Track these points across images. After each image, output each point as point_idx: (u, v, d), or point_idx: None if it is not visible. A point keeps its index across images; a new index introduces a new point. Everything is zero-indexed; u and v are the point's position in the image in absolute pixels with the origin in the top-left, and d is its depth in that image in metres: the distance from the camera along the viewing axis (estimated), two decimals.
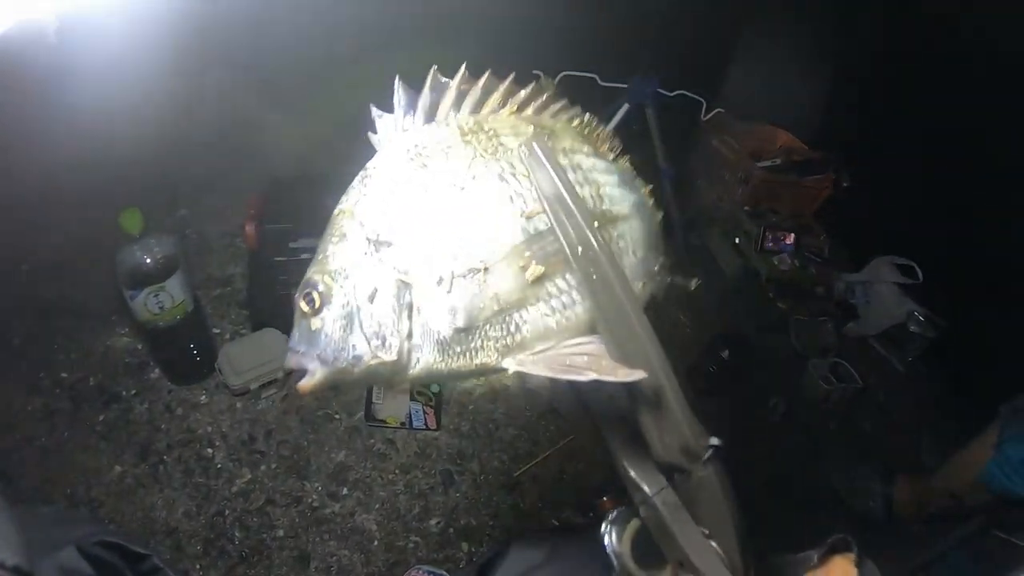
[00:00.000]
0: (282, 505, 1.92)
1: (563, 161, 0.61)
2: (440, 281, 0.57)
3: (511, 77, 0.64)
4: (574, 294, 0.59)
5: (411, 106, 0.61)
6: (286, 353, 0.61)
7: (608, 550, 0.67)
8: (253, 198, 2.16)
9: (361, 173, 0.62)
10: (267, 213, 2.09)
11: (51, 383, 2.06)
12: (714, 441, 0.59)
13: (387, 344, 0.57)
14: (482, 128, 0.61)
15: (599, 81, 2.80)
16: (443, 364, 0.58)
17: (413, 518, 1.97)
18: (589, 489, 2.10)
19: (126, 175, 2.55)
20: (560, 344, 0.59)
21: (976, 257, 2.39)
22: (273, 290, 2.10)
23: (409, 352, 0.57)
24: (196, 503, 1.89)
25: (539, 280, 0.58)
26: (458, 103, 0.62)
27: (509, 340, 0.59)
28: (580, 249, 0.56)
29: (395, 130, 0.62)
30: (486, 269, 0.57)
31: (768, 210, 2.93)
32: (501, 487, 2.09)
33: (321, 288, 0.58)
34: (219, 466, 1.97)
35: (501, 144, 0.60)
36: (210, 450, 2.00)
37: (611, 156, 0.68)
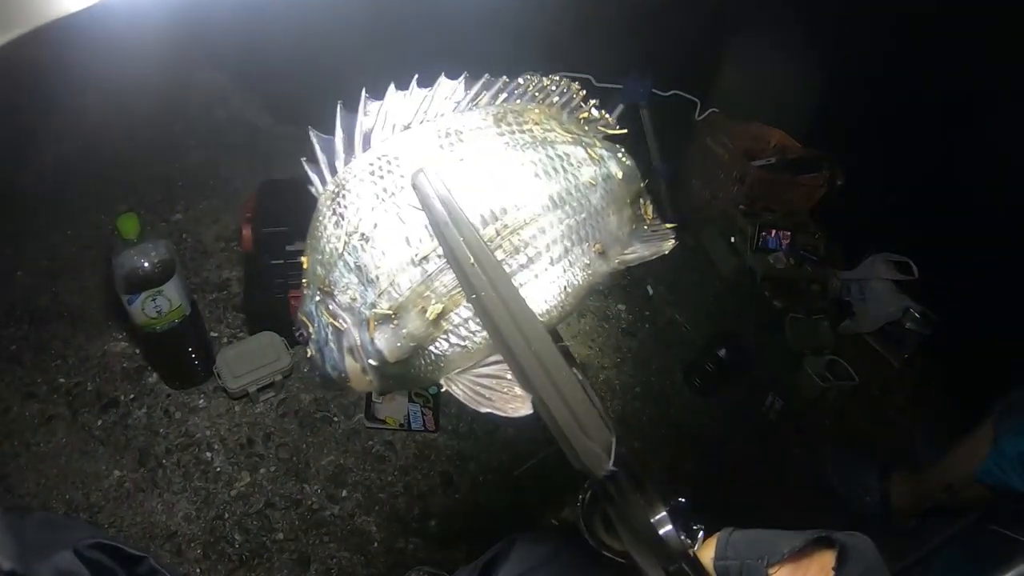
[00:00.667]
0: (281, 508, 1.92)
1: (463, 173, 0.62)
2: (364, 327, 0.63)
3: (414, 82, 0.67)
4: (477, 320, 0.62)
5: (326, 150, 0.66)
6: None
7: (579, 519, 0.73)
8: (249, 201, 2.16)
9: (311, 222, 0.68)
10: (263, 216, 2.09)
11: (48, 389, 2.06)
12: (609, 469, 0.62)
13: (344, 375, 0.66)
14: (386, 162, 0.64)
15: (594, 82, 2.81)
16: (393, 385, 0.68)
17: (413, 519, 1.97)
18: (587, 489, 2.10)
19: (120, 180, 2.56)
20: (476, 364, 0.65)
21: (971, 253, 2.40)
22: (270, 293, 2.10)
23: (364, 378, 0.66)
24: (195, 507, 1.89)
25: (441, 316, 0.61)
26: (366, 136, 0.65)
27: (432, 367, 0.64)
28: (466, 278, 0.59)
29: (323, 177, 0.66)
30: (395, 315, 0.61)
31: (763, 209, 2.94)
32: (500, 488, 2.09)
33: (302, 329, 0.68)
34: (218, 469, 1.97)
35: (401, 176, 0.63)
36: (209, 454, 1.99)
37: (535, 135, 0.67)
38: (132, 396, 2.07)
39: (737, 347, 2.46)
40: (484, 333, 0.62)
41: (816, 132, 2.95)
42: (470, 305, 0.61)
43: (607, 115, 0.75)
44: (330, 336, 0.65)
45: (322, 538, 1.89)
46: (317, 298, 0.65)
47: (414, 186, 0.60)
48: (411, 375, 0.65)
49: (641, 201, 0.74)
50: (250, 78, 2.94)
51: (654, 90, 2.69)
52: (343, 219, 0.63)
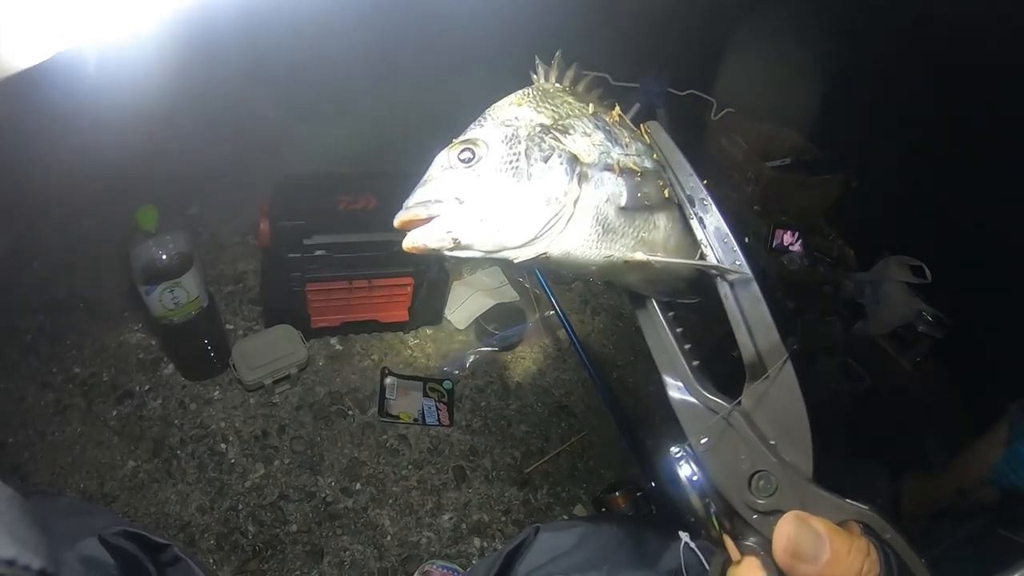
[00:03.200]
0: (295, 500, 1.93)
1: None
2: (609, 167, 0.61)
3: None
4: (686, 226, 0.64)
5: (559, 69, 0.71)
6: (402, 210, 0.59)
7: (686, 481, 0.68)
8: (266, 195, 2.16)
9: (521, 90, 0.67)
10: (280, 210, 2.09)
11: (64, 379, 2.07)
12: (792, 342, 0.64)
13: (551, 203, 0.57)
14: (601, 100, 0.70)
15: (611, 81, 2.81)
16: (588, 240, 0.60)
17: (426, 513, 1.97)
18: (600, 486, 2.10)
19: (137, 173, 2.56)
20: (671, 260, 0.65)
21: (984, 257, 2.39)
22: (287, 286, 2.10)
23: (569, 219, 0.59)
24: (210, 498, 1.89)
25: (670, 200, 0.65)
26: (584, 88, 0.71)
27: (644, 235, 0.63)
28: (693, 196, 0.63)
29: (543, 78, 0.70)
30: (641, 174, 0.62)
31: (777, 209, 2.95)
32: (513, 483, 2.09)
33: (484, 150, 0.59)
34: (232, 461, 1.97)
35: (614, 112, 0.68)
36: (223, 445, 2.00)
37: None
38: (147, 387, 2.08)
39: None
40: (690, 237, 0.64)
41: (831, 134, 2.95)
42: (676, 215, 0.66)
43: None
44: (554, 159, 0.58)
45: (335, 531, 1.89)
46: (538, 129, 0.60)
47: (651, 128, 0.67)
48: (618, 234, 0.62)
49: None
50: (265, 75, 2.95)
51: (670, 89, 2.69)
52: (585, 99, 0.67)
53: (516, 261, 0.60)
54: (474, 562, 1.91)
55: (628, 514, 1.97)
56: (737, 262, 0.62)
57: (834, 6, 2.72)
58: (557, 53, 0.71)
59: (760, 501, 0.60)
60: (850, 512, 0.57)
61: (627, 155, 0.63)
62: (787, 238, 2.84)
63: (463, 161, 0.58)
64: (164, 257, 1.79)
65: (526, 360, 2.44)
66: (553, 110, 0.63)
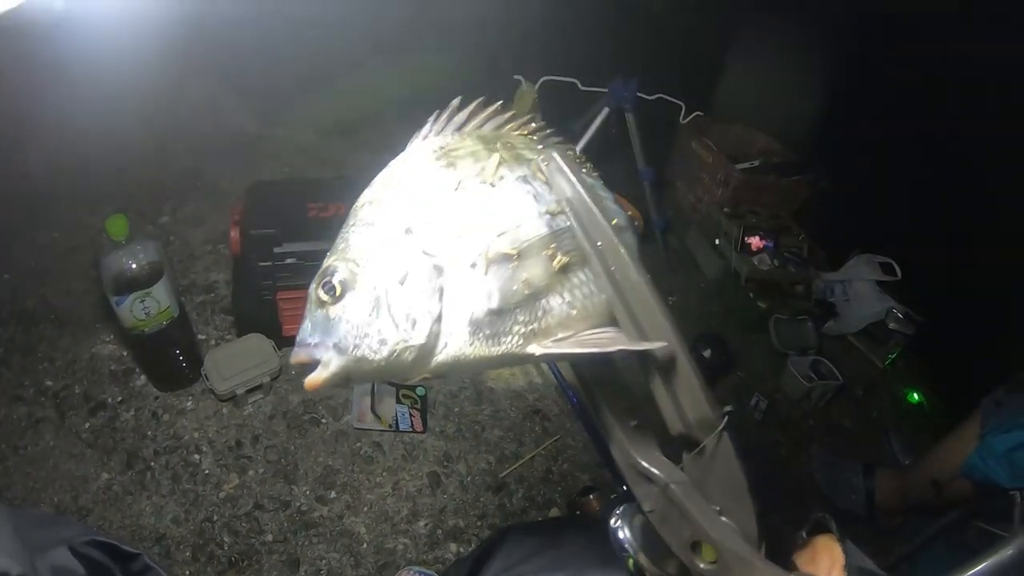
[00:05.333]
0: (270, 510, 1.92)
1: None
2: (474, 265, 0.58)
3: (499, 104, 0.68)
4: (593, 286, 0.62)
5: (439, 118, 0.65)
6: (294, 348, 0.59)
7: (624, 544, 0.69)
8: (237, 203, 2.16)
9: (384, 171, 0.64)
10: (251, 218, 2.09)
11: (36, 391, 2.05)
12: (727, 408, 0.61)
13: (417, 326, 0.56)
14: (501, 140, 0.65)
15: (579, 86, 2.84)
16: (470, 349, 0.59)
17: (401, 520, 1.97)
18: (575, 489, 2.11)
19: (107, 182, 2.55)
20: (579, 333, 0.62)
21: (953, 253, 2.43)
22: (258, 295, 2.10)
23: (438, 335, 0.58)
24: (184, 509, 1.89)
25: (564, 269, 0.60)
26: (478, 121, 0.66)
27: (535, 326, 0.60)
28: (599, 244, 0.59)
29: (422, 136, 0.65)
30: (518, 255, 0.58)
31: (747, 211, 2.97)
32: (488, 488, 2.10)
33: (344, 275, 0.58)
34: (206, 472, 1.97)
35: (520, 154, 0.64)
36: (197, 456, 1.99)
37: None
38: (120, 399, 2.07)
39: (722, 348, 2.48)
40: (594, 300, 0.62)
41: (800, 135, 2.99)
42: (587, 272, 0.62)
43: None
44: (413, 275, 0.57)
45: (311, 539, 1.89)
46: (395, 234, 0.59)
47: (551, 157, 0.62)
48: (500, 334, 0.59)
49: None
50: (238, 82, 2.94)
51: (639, 94, 2.71)
52: (455, 167, 0.61)
53: (408, 383, 0.62)
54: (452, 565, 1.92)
55: (602, 516, 1.98)
56: (659, 331, 0.60)
57: (803, 10, 2.76)
58: (455, 102, 0.66)
59: (704, 568, 0.61)
60: None
61: (501, 234, 0.59)
62: (757, 239, 2.87)
63: (328, 294, 0.58)
64: (134, 267, 1.79)
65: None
66: (411, 196, 0.61)
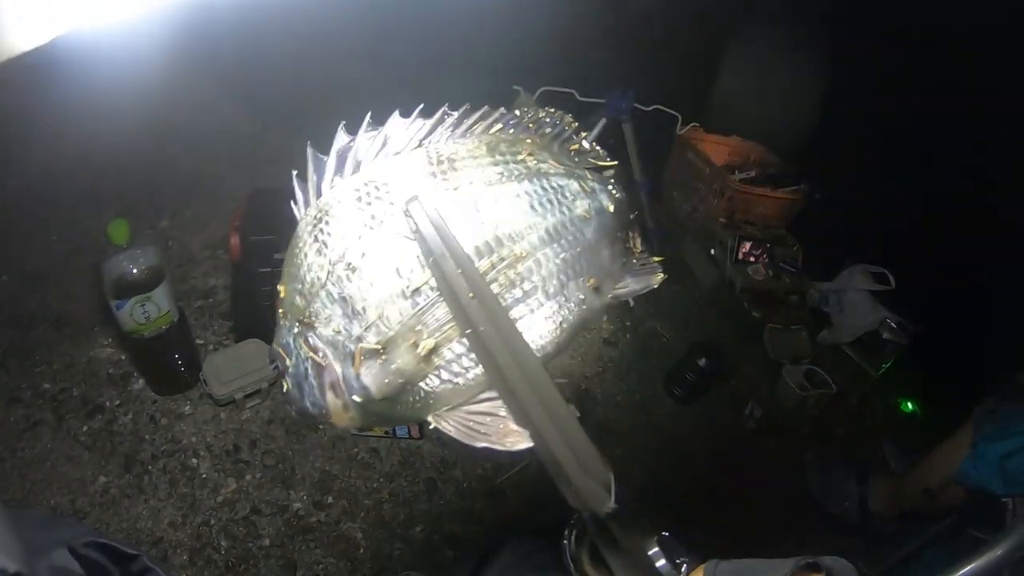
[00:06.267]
0: (268, 514, 1.93)
1: (458, 203, 0.61)
2: (349, 361, 0.60)
3: (418, 110, 0.64)
4: (471, 356, 0.60)
5: (318, 169, 0.63)
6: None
7: (566, 554, 0.70)
8: (237, 209, 2.17)
9: (288, 249, 0.65)
10: (251, 224, 2.10)
11: (33, 394, 2.06)
12: (608, 508, 0.61)
13: (326, 411, 0.63)
14: (376, 187, 0.61)
15: (577, 96, 2.85)
16: (376, 420, 0.64)
17: (398, 526, 1.98)
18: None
19: (107, 186, 2.56)
20: (467, 401, 0.62)
21: (947, 263, 2.45)
22: (257, 301, 2.11)
23: (346, 414, 0.62)
24: (182, 513, 1.89)
25: (433, 352, 0.59)
26: (357, 160, 0.63)
27: (421, 403, 0.61)
28: (463, 312, 0.57)
29: (308, 200, 0.63)
30: (383, 349, 0.59)
31: (742, 221, 2.99)
32: (484, 495, 2.11)
33: (278, 361, 0.65)
34: (204, 476, 1.97)
35: (392, 203, 0.60)
36: (195, 460, 2.00)
37: (531, 165, 0.66)
38: (118, 402, 2.08)
39: (717, 357, 2.49)
40: (477, 370, 0.60)
41: (795, 145, 3.01)
42: (463, 341, 0.59)
43: (598, 147, 0.73)
44: (310, 371, 0.62)
45: (308, 544, 1.90)
46: (296, 330, 0.62)
47: (407, 213, 0.58)
48: (397, 412, 0.63)
49: (630, 234, 0.73)
50: (239, 87, 2.95)
51: (636, 105, 2.73)
52: (326, 247, 0.60)
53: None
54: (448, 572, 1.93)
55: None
56: (531, 392, 0.59)
57: (798, 21, 2.78)
58: (308, 152, 0.63)
59: None
60: None
61: (367, 328, 0.59)
62: (752, 249, 2.89)
63: (276, 371, 0.66)
64: (135, 271, 1.80)
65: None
66: (302, 285, 0.62)
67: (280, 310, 0.64)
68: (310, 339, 0.61)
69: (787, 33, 2.76)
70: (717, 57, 3.01)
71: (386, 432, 2.13)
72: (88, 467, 1.93)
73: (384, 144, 0.63)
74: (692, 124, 3.22)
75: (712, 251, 2.97)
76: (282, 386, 0.66)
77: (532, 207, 0.63)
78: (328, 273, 0.59)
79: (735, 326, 2.83)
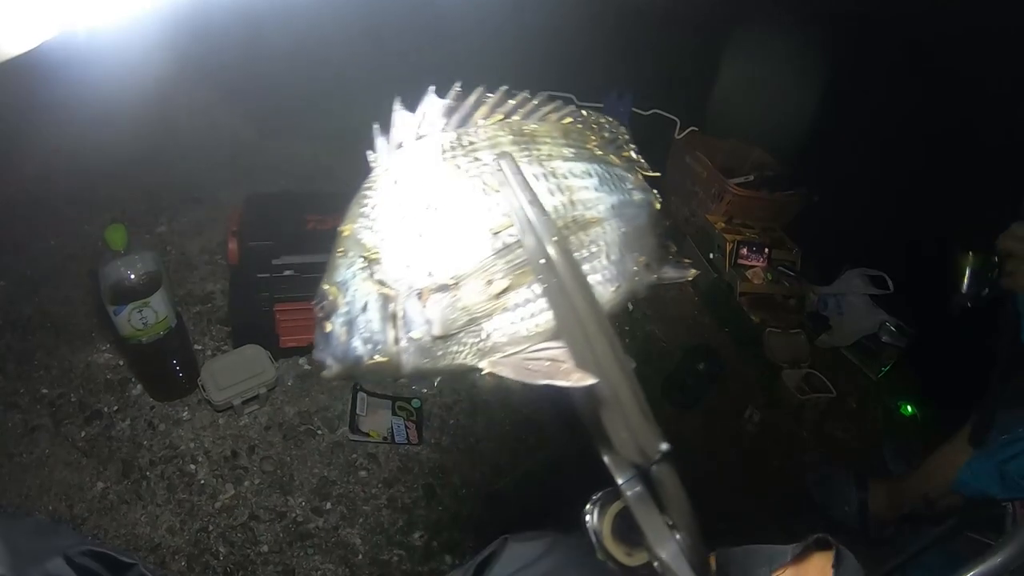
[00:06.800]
0: (266, 520, 1.92)
1: (538, 169, 0.64)
2: (418, 295, 0.61)
3: (503, 89, 0.67)
4: (540, 303, 0.62)
5: (404, 126, 0.65)
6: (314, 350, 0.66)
7: (588, 527, 0.70)
8: (234, 214, 2.17)
9: (358, 193, 0.66)
10: (249, 229, 2.10)
11: (31, 399, 2.05)
12: (663, 447, 0.61)
13: (378, 347, 0.62)
14: (461, 144, 0.64)
15: (575, 101, 2.84)
16: (426, 364, 0.63)
17: (397, 532, 1.98)
18: (569, 501, 2.11)
19: (104, 191, 2.56)
20: (527, 348, 0.63)
21: (946, 266, 2.44)
22: (256, 306, 2.11)
23: (399, 354, 0.62)
24: (179, 519, 1.89)
25: (505, 292, 0.61)
26: (447, 121, 0.65)
27: (482, 345, 0.62)
28: (541, 261, 0.59)
29: (387, 151, 0.66)
30: (456, 284, 0.60)
31: (741, 225, 2.99)
32: (482, 500, 2.11)
33: (328, 298, 0.64)
34: (202, 482, 1.97)
35: (477, 159, 0.63)
36: (193, 466, 2.00)
37: (597, 153, 0.70)
38: (116, 408, 2.07)
39: (715, 360, 2.49)
40: (541, 318, 0.62)
41: (793, 149, 3.01)
42: (533, 289, 0.61)
43: (642, 160, 0.77)
44: (370, 305, 0.62)
45: (306, 550, 1.89)
46: (359, 265, 0.63)
47: (497, 167, 0.60)
48: (451, 354, 0.63)
49: (667, 241, 0.77)
50: (236, 91, 2.95)
51: (634, 109, 2.73)
52: (406, 190, 0.63)
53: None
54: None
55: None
56: (599, 349, 0.59)
57: (796, 26, 2.78)
58: (395, 105, 0.66)
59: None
60: None
61: (443, 261, 0.61)
62: (751, 253, 2.89)
63: (320, 314, 0.65)
64: (132, 277, 1.80)
65: (493, 376, 2.44)
66: (372, 223, 0.64)
67: (339, 249, 0.65)
68: (376, 272, 0.62)
69: (785, 36, 2.76)
70: (715, 61, 3.01)
71: (384, 438, 2.13)
72: (86, 473, 1.93)
73: (470, 111, 0.65)
74: (690, 128, 3.22)
75: (711, 255, 2.97)
76: (322, 328, 0.65)
77: (600, 183, 0.67)
78: (407, 212, 0.62)
79: (734, 330, 2.83)
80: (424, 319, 0.61)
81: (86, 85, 2.25)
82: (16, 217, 2.45)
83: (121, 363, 2.16)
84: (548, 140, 0.67)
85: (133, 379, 2.13)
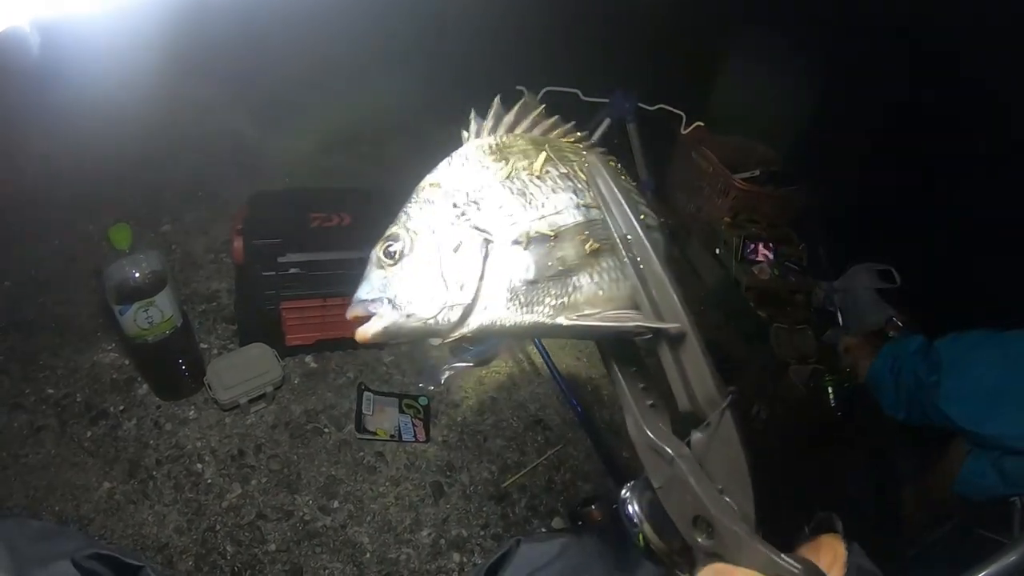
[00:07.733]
0: (273, 519, 1.92)
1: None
2: (517, 241, 0.66)
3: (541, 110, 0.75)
4: (619, 272, 0.67)
5: (496, 118, 0.72)
6: (351, 306, 0.67)
7: (631, 516, 0.71)
8: (239, 212, 2.16)
9: (447, 159, 0.71)
10: (254, 228, 2.09)
11: (37, 400, 2.05)
12: (732, 388, 0.63)
13: (465, 288, 0.64)
14: (549, 143, 0.73)
15: (581, 96, 2.84)
16: (506, 314, 0.65)
17: (404, 530, 1.97)
18: (577, 499, 2.11)
19: (108, 191, 2.55)
20: (603, 311, 0.67)
21: (953, 260, 2.43)
22: (261, 304, 2.10)
23: (479, 299, 0.65)
24: (187, 519, 1.88)
25: (594, 254, 0.66)
26: (527, 123, 0.74)
27: (564, 299, 0.66)
28: (628, 236, 0.65)
29: (480, 132, 0.72)
30: (555, 236, 0.66)
31: (747, 220, 2.98)
32: (490, 498, 2.10)
33: (404, 242, 0.66)
34: (209, 481, 1.96)
35: (564, 155, 0.72)
36: (200, 465, 1.99)
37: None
38: (122, 407, 2.07)
39: (722, 356, 2.48)
40: (624, 284, 0.67)
41: (799, 143, 2.99)
42: (614, 260, 0.67)
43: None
44: (464, 245, 0.65)
45: (314, 549, 1.89)
46: (454, 212, 0.67)
47: (593, 160, 0.70)
48: (534, 304, 0.66)
49: None
50: (240, 89, 2.94)
51: (640, 104, 2.72)
52: (507, 161, 0.69)
53: (442, 343, 0.66)
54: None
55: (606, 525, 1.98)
56: (675, 316, 0.64)
57: (802, 22, 2.77)
58: (496, 102, 0.73)
59: (702, 542, 0.62)
60: (783, 569, 0.57)
61: (542, 218, 0.67)
62: (758, 248, 2.87)
63: (389, 257, 0.66)
64: (138, 276, 1.79)
65: (501, 375, 2.45)
66: (468, 181, 0.68)
67: (420, 200, 0.69)
68: (473, 219, 0.66)
69: (791, 33, 2.75)
70: (721, 57, 3.00)
71: (391, 436, 2.13)
72: (92, 473, 1.92)
73: (554, 123, 0.76)
74: (696, 123, 3.20)
75: (717, 250, 2.96)
76: (379, 276, 0.67)
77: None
78: (509, 175, 0.68)
79: (740, 326, 2.82)
80: (523, 262, 0.65)
81: (89, 86, 2.24)
82: (19, 218, 2.44)
83: (127, 363, 2.15)
84: (609, 165, 0.75)
85: (139, 379, 2.12)
